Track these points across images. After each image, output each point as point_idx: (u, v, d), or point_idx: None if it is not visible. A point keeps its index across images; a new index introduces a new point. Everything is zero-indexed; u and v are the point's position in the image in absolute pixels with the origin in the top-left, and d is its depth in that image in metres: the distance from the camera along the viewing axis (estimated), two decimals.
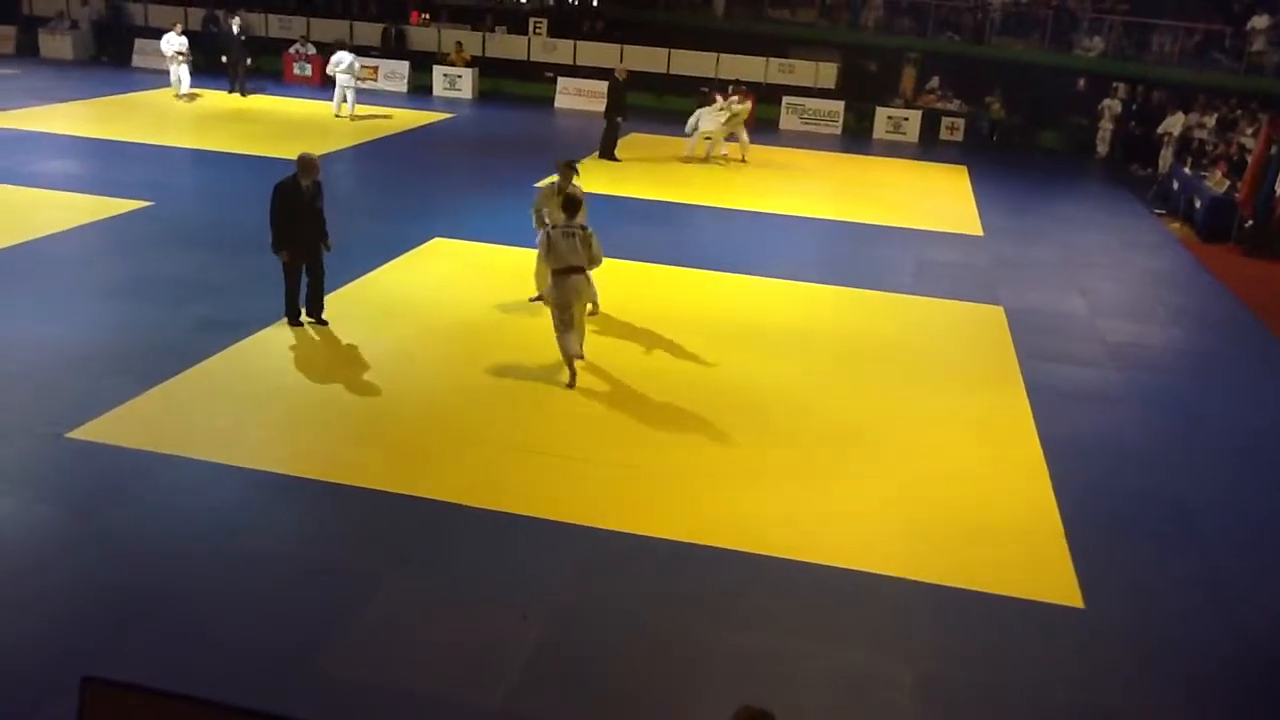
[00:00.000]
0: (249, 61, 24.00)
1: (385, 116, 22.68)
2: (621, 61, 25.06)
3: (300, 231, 9.92)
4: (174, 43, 22.69)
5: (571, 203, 9.41)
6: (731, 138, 20.16)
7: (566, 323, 9.23)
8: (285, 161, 17.61)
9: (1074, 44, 25.70)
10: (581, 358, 9.47)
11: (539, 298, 10.47)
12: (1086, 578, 6.86)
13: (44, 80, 24.24)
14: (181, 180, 16.08)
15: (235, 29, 24.10)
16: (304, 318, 10.24)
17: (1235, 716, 5.90)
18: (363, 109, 22.51)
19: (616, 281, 12.23)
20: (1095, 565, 7.02)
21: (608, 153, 19.67)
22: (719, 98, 20.50)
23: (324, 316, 10.28)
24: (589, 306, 10.03)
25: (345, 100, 22.03)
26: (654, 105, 25.20)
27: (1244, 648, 6.41)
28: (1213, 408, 10.04)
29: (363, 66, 23.13)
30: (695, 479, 7.83)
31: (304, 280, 10.19)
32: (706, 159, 20.06)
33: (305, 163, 9.98)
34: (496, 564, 6.64)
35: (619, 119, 19.75)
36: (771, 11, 28.07)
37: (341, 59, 21.83)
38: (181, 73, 22.86)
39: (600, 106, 23.95)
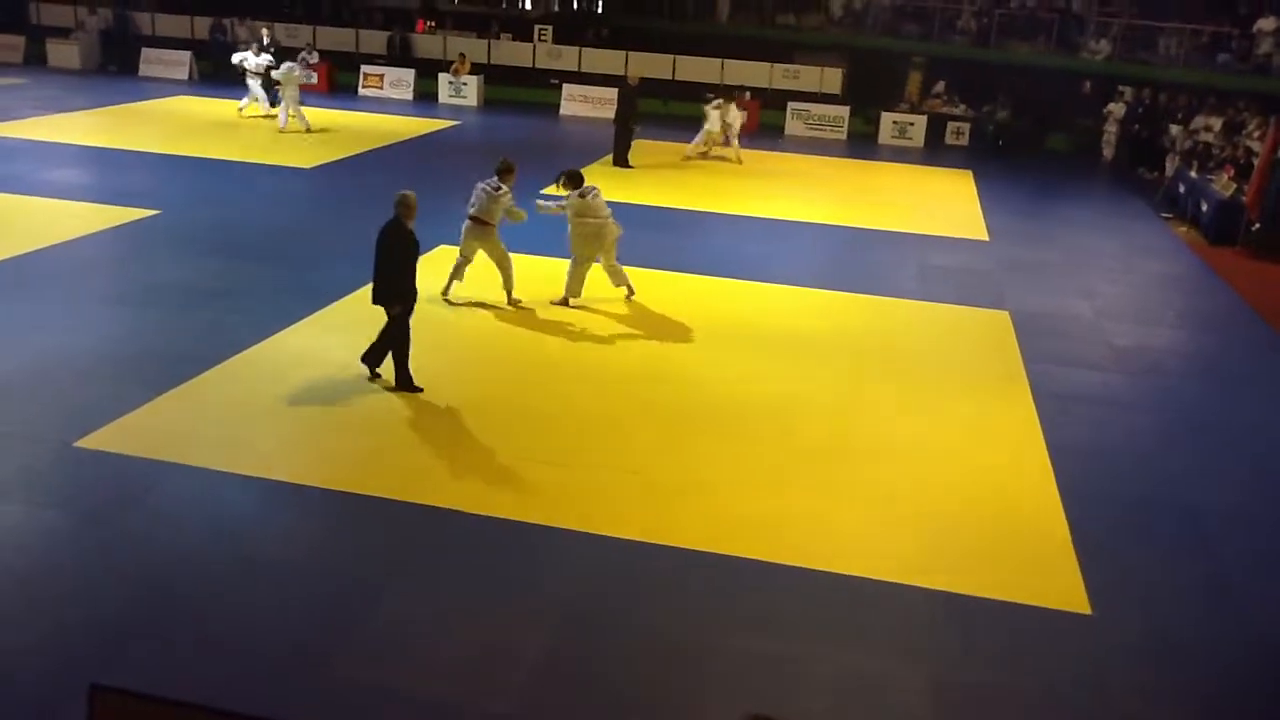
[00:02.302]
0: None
1: (322, 130, 21.57)
2: (627, 68, 25.11)
3: (411, 281, 9.06)
4: (253, 61, 21.78)
5: (501, 167, 11.30)
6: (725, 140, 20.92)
7: (462, 255, 11.28)
8: (291, 169, 17.81)
9: (1080, 47, 25.68)
10: (511, 302, 11.39)
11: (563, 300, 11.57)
12: (1094, 584, 6.85)
13: (51, 90, 24.34)
14: (188, 188, 16.12)
15: (265, 40, 24.07)
16: (381, 379, 9.25)
17: None
18: (311, 114, 21.80)
19: (615, 288, 12.27)
20: (1103, 571, 7.00)
21: (621, 160, 19.66)
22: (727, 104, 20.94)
23: (417, 384, 9.19)
24: (623, 291, 11.75)
25: (291, 111, 20.99)
26: (659, 111, 25.21)
27: (1254, 654, 6.38)
28: (1221, 411, 10.01)
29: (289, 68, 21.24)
30: (701, 485, 7.83)
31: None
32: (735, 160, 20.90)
33: (412, 203, 9.03)
34: (504, 570, 6.64)
35: (634, 126, 19.69)
36: (777, 17, 28.09)
37: (293, 67, 20.97)
38: (258, 91, 21.90)
39: (605, 113, 24.26)
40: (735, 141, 20.79)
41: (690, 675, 5.79)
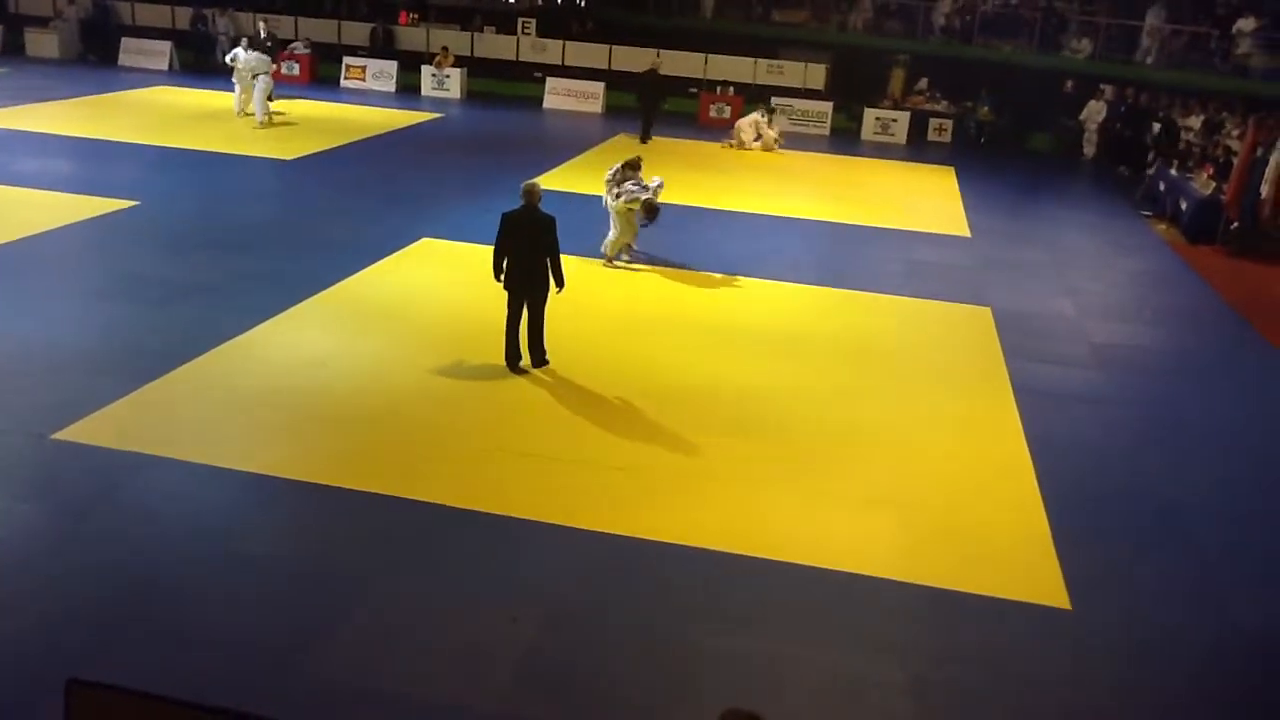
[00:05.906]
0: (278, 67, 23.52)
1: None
2: (610, 63, 25.41)
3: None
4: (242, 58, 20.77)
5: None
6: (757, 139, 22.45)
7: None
8: (272, 161, 17.71)
9: (1062, 45, 25.80)
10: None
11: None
12: (1073, 579, 6.88)
13: (30, 79, 24.10)
14: (167, 180, 15.99)
15: (263, 33, 23.83)
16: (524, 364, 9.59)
17: (1226, 716, 5.93)
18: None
19: (605, 282, 12.26)
20: (1082, 566, 7.04)
21: (647, 136, 21.58)
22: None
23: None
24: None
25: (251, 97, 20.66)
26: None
27: (1233, 647, 6.44)
28: (1199, 408, 10.08)
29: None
30: (684, 481, 7.83)
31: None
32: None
33: (540, 190, 9.51)
34: (487, 566, 6.62)
35: (662, 106, 22.08)
36: (761, 13, 28.08)
37: (236, 55, 20.50)
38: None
39: (589, 106, 25.11)
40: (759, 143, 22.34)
41: (672, 672, 5.79)
